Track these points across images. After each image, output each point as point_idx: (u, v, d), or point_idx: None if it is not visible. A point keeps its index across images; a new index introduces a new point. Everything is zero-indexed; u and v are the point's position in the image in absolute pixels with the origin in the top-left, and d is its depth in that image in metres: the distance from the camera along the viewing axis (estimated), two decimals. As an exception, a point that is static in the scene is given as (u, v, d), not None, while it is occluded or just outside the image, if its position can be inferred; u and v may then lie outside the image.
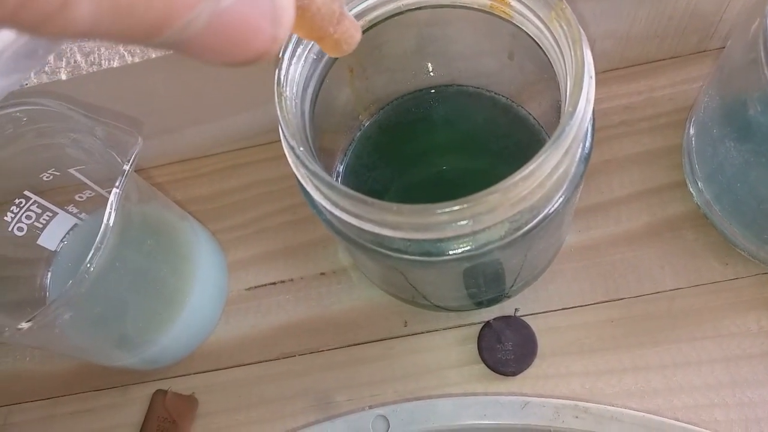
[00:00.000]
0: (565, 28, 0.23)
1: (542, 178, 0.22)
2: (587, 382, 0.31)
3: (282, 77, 0.24)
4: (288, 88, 0.24)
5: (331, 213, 0.24)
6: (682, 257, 0.32)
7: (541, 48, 0.26)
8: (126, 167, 0.25)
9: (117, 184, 0.25)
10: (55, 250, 0.34)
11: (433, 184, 0.33)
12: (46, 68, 0.31)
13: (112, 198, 0.24)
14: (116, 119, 0.27)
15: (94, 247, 0.24)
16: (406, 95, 0.34)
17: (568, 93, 0.23)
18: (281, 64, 0.24)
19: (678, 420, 0.29)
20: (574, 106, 0.22)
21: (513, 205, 0.22)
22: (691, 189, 0.32)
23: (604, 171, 0.34)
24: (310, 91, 0.26)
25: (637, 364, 0.31)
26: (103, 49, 0.31)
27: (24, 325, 0.23)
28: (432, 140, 0.34)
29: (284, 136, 0.24)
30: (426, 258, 0.25)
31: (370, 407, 0.32)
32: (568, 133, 0.22)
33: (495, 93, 0.33)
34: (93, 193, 0.33)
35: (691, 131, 0.31)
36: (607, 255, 0.33)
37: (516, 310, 0.33)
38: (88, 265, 0.24)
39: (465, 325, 0.33)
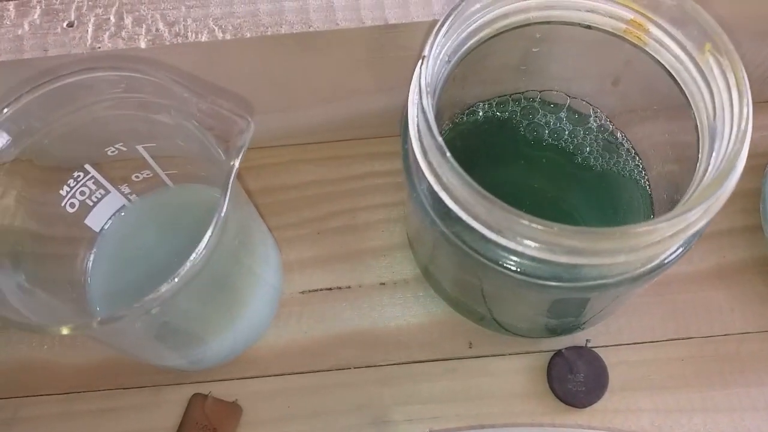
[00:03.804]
0: (723, 63, 0.23)
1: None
2: (656, 419, 0.31)
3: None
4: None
5: (458, 223, 0.23)
6: (751, 302, 0.32)
7: (677, 83, 0.25)
8: (235, 163, 0.23)
9: (228, 183, 0.23)
10: (99, 232, 0.31)
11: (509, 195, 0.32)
12: (122, 33, 0.29)
13: (225, 199, 0.22)
14: (219, 95, 0.24)
15: (203, 244, 0.22)
16: (489, 104, 0.33)
17: (726, 145, 0.22)
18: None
19: (746, 465, 0.29)
20: (734, 161, 0.21)
21: (664, 242, 0.22)
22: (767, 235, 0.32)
23: (674, 208, 0.34)
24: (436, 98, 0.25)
25: (707, 406, 0.31)
26: (189, 21, 0.29)
27: (127, 311, 0.21)
28: (512, 151, 0.33)
29: (429, 132, 0.22)
30: (555, 283, 0.24)
31: (430, 431, 0.31)
32: (731, 183, 0.21)
33: (588, 109, 0.32)
34: (151, 174, 0.30)
35: (775, 179, 0.32)
36: (678, 293, 0.33)
37: (587, 341, 0.32)
38: (190, 264, 0.22)
39: (533, 352, 0.32)
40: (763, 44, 0.32)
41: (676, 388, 0.31)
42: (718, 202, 0.22)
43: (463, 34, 0.25)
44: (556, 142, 0.32)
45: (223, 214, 0.22)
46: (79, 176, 0.28)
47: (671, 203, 0.28)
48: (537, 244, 0.21)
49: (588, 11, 0.26)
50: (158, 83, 0.24)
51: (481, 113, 0.32)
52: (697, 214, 0.21)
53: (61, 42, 0.29)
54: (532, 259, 0.22)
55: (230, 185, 0.23)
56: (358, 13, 0.29)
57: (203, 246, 0.22)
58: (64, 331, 0.22)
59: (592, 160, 0.32)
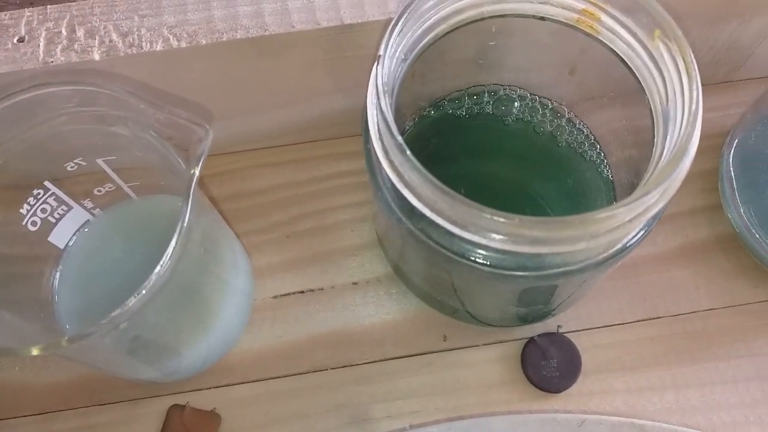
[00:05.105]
0: (672, 49, 0.23)
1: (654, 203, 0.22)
2: (629, 399, 0.31)
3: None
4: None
5: (423, 220, 0.23)
6: (715, 279, 0.33)
7: (630, 69, 0.26)
8: (195, 171, 0.23)
9: (189, 192, 0.22)
10: (63, 249, 0.31)
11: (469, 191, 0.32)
12: (75, 46, 0.28)
13: (187, 208, 0.22)
14: (177, 104, 0.24)
15: (168, 255, 0.21)
16: (448, 100, 0.33)
17: (678, 128, 0.23)
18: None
19: (718, 438, 0.30)
20: (687, 144, 0.22)
21: (624, 226, 0.22)
22: (728, 214, 0.33)
23: (636, 191, 0.35)
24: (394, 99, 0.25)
25: (677, 382, 0.32)
26: (143, 30, 0.29)
27: (95, 328, 0.20)
28: (467, 145, 0.33)
29: (388, 132, 0.22)
30: (521, 273, 0.24)
31: (411, 426, 0.31)
32: (685, 166, 0.22)
33: (546, 98, 0.32)
34: (113, 187, 0.30)
35: (731, 159, 0.33)
36: (644, 274, 0.33)
37: (559, 327, 0.32)
38: (155, 276, 0.22)
39: (506, 341, 0.32)
40: (711, 29, 0.33)
41: (647, 367, 0.32)
42: (674, 184, 0.22)
43: (419, 32, 0.25)
44: (517, 133, 0.33)
45: (185, 223, 0.22)
46: (39, 194, 0.28)
47: (632, 187, 0.29)
48: (500, 236, 0.22)
49: (541, 3, 0.27)
50: (114, 96, 0.24)
51: (442, 108, 0.32)
52: (654, 198, 0.22)
53: (12, 58, 0.28)
54: (497, 250, 0.23)
55: (191, 193, 0.23)
56: (313, 15, 0.29)
57: (168, 257, 0.22)
58: (34, 351, 0.22)
59: (553, 148, 0.32)
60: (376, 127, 0.23)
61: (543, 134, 0.32)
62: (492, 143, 0.33)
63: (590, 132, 0.32)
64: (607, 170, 0.31)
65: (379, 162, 0.24)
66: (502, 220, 0.21)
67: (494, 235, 0.22)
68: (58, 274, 0.30)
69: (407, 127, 0.32)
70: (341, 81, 0.32)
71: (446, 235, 0.23)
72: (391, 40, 0.23)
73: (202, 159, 0.23)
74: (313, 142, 0.36)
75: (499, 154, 0.33)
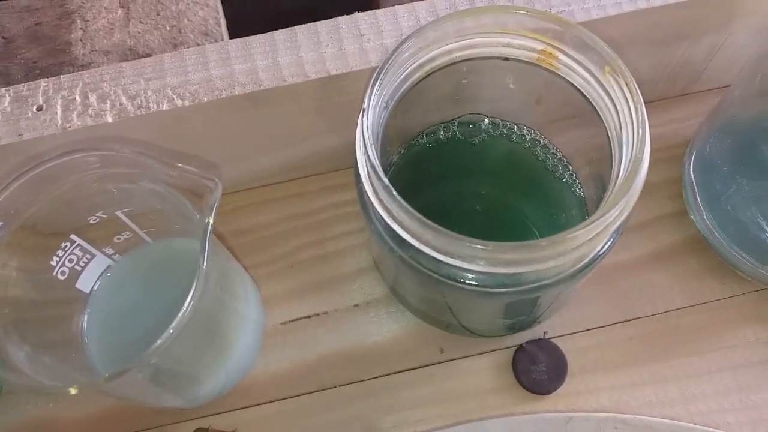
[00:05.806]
0: (620, 82, 0.27)
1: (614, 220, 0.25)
2: (613, 396, 0.34)
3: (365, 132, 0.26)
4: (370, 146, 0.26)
5: (412, 249, 0.26)
6: (686, 279, 0.36)
7: (588, 100, 0.29)
8: (209, 220, 0.26)
9: (205, 239, 0.25)
10: (89, 293, 0.34)
11: (457, 213, 0.35)
12: (89, 111, 0.31)
13: (204, 254, 0.25)
14: (188, 162, 0.27)
15: (190, 298, 0.24)
16: (429, 132, 0.36)
17: (630, 151, 0.26)
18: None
19: (696, 425, 0.33)
20: (638, 167, 0.25)
21: (588, 243, 0.25)
22: (693, 218, 0.36)
23: (609, 202, 0.38)
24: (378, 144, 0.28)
25: (655, 377, 0.34)
26: (150, 92, 0.32)
27: (130, 366, 0.23)
28: (452, 170, 0.36)
29: (376, 176, 0.25)
30: (502, 289, 0.27)
31: (416, 432, 0.34)
32: (639, 185, 0.25)
33: (520, 124, 0.35)
34: (131, 235, 0.33)
35: (691, 167, 0.36)
36: (621, 279, 0.36)
37: (545, 333, 0.35)
38: (180, 316, 0.24)
39: (497, 350, 0.35)
40: (664, 51, 0.36)
41: (628, 365, 0.35)
42: (630, 201, 0.25)
43: (397, 82, 0.28)
44: (495, 157, 0.36)
45: (204, 268, 0.25)
46: (66, 246, 0.31)
47: (599, 200, 0.32)
48: (480, 260, 0.25)
49: (504, 46, 0.30)
50: (130, 158, 0.27)
51: (422, 140, 0.35)
52: (613, 216, 0.25)
53: (34, 126, 0.31)
54: (478, 272, 0.26)
55: (207, 241, 0.26)
56: (302, 69, 0.32)
57: (190, 299, 0.24)
58: (72, 391, 0.24)
59: (528, 168, 0.35)
60: (366, 171, 0.26)
61: (518, 157, 0.35)
62: (471, 167, 0.36)
63: (562, 154, 0.35)
64: (578, 185, 0.34)
65: (371, 200, 0.27)
66: (480, 247, 0.24)
67: (475, 260, 0.25)
68: (85, 317, 0.33)
69: (393, 159, 0.35)
70: (332, 123, 0.35)
71: (433, 261, 0.26)
72: (374, 94, 0.27)
73: (215, 208, 0.26)
74: (308, 177, 0.39)
75: (479, 178, 0.36)
